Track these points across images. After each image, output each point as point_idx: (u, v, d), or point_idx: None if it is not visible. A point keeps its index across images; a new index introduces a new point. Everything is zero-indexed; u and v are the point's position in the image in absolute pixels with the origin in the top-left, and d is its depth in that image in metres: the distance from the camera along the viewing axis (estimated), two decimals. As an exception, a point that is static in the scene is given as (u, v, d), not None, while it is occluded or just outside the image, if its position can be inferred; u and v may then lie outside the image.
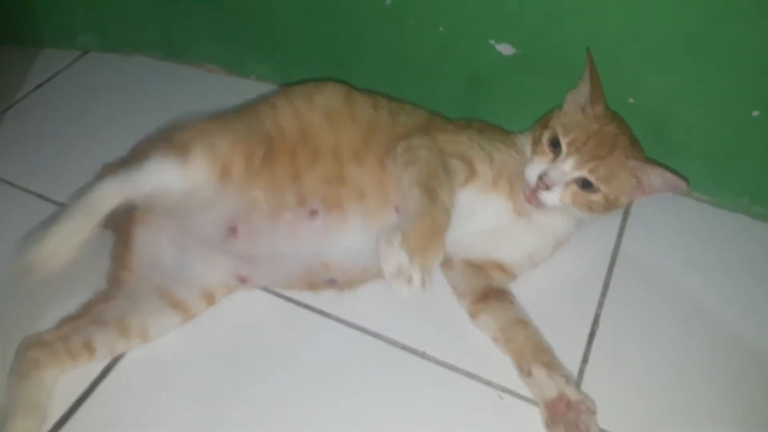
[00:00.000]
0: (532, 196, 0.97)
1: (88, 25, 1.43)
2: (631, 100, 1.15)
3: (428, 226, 0.84)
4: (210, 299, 0.98)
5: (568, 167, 0.94)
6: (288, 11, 1.28)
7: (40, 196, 1.15)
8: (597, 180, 0.94)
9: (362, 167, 0.99)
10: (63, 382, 0.89)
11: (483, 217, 1.01)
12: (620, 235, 1.14)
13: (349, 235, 0.97)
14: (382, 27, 1.23)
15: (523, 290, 1.02)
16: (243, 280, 1.00)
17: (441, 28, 1.18)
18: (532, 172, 0.97)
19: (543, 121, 1.03)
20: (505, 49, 1.16)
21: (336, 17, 1.25)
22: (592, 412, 0.85)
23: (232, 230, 0.96)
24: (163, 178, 0.90)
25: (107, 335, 0.91)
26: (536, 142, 0.99)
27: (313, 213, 0.97)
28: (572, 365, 0.93)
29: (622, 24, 1.08)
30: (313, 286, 1.01)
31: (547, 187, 0.94)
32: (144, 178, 0.90)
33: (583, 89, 0.99)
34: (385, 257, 0.81)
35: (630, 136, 0.99)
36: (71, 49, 1.45)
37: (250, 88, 1.38)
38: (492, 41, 1.16)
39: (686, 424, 0.90)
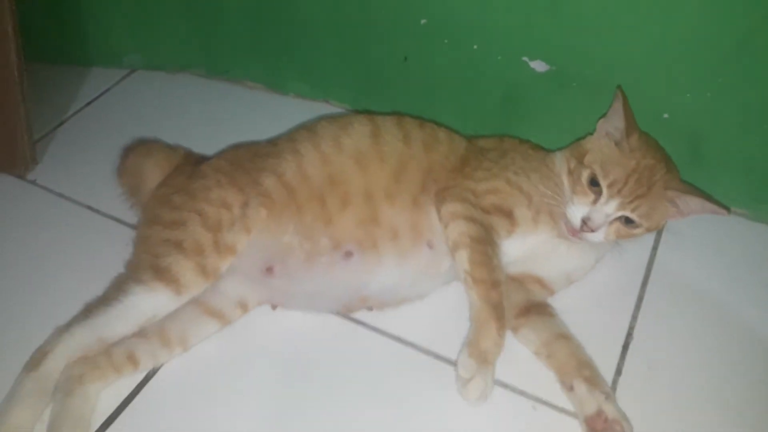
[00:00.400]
0: (575, 233, 0.98)
1: (134, 45, 1.49)
2: (665, 116, 1.15)
3: (492, 335, 0.90)
4: (244, 308, 1.01)
5: (611, 209, 0.96)
6: (326, 30, 1.32)
7: (89, 207, 1.19)
8: (639, 217, 0.96)
9: (395, 206, 1.00)
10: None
11: (527, 247, 1.03)
12: (655, 248, 1.14)
13: (384, 273, 0.99)
14: (417, 45, 1.25)
15: (558, 302, 1.03)
16: (276, 307, 1.03)
17: (475, 46, 1.20)
18: (575, 214, 0.97)
19: (576, 150, 1.03)
20: (539, 65, 1.17)
21: (373, 36, 1.28)
22: None
23: (269, 270, 0.99)
24: (154, 307, 0.93)
25: (149, 346, 0.93)
26: (572, 175, 1.00)
27: (348, 254, 0.98)
28: (606, 377, 0.93)
29: (655, 39, 1.09)
30: (349, 311, 1.03)
31: (592, 231, 0.96)
32: (129, 314, 0.92)
33: (616, 122, 0.99)
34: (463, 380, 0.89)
35: (666, 163, 1.00)
36: (119, 68, 1.51)
37: (290, 105, 1.43)
38: (525, 58, 1.18)
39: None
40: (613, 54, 1.12)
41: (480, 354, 0.88)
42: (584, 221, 0.96)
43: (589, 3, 1.09)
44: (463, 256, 0.95)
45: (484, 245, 0.96)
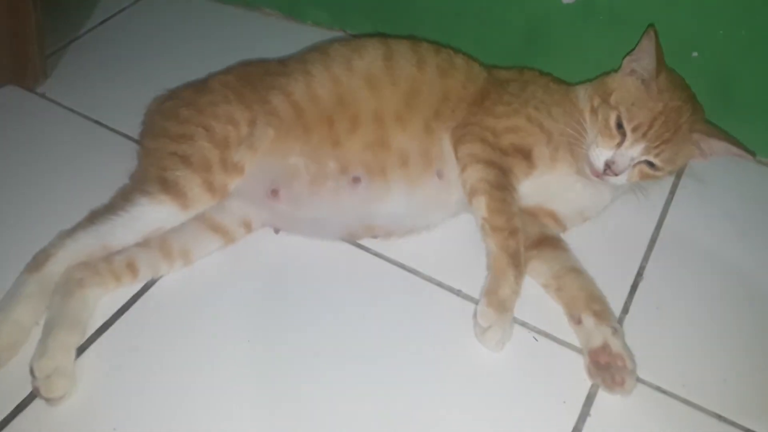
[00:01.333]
0: (599, 175, 0.95)
1: (152, -34, 1.46)
2: (695, 54, 1.11)
3: (510, 283, 0.89)
4: (248, 227, 0.99)
5: (636, 153, 0.93)
6: None
7: (97, 122, 1.18)
8: (662, 162, 0.94)
9: (406, 131, 0.97)
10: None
11: (542, 183, 1.00)
12: (672, 192, 1.11)
13: (393, 201, 0.97)
14: (439, -29, 1.21)
15: (570, 238, 1.00)
16: (279, 231, 1.01)
17: (501, -27, 1.16)
18: (599, 158, 0.94)
19: (601, 87, 0.98)
20: None
21: (393, -39, 1.24)
22: (630, 370, 0.83)
23: (274, 192, 0.97)
24: (160, 220, 0.92)
25: (150, 256, 0.93)
26: (595, 114, 0.96)
27: (356, 180, 0.96)
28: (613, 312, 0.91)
29: None
30: (353, 238, 1.01)
31: (615, 174, 0.93)
32: (134, 224, 0.91)
33: (645, 62, 0.94)
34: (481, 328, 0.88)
35: (692, 104, 0.96)
36: (136, -11, 1.48)
37: (307, 33, 1.40)
38: None
39: (720, 375, 0.87)
40: None
41: (499, 303, 0.87)
42: (608, 165, 0.93)
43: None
44: (481, 203, 0.93)
45: (503, 191, 0.93)
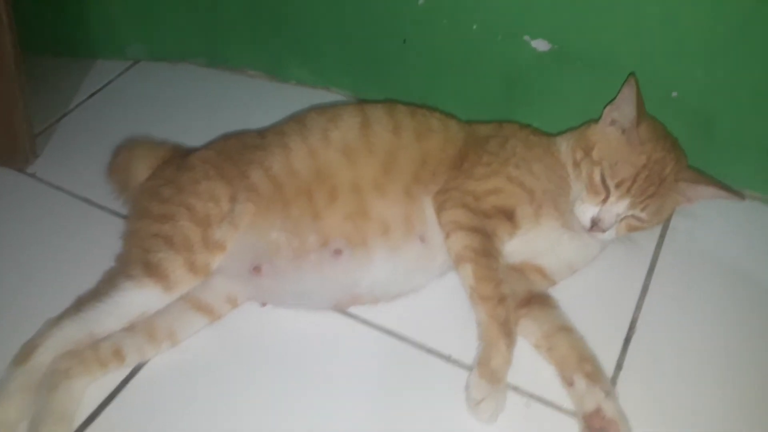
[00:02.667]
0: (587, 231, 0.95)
1: (137, 37, 1.48)
2: (674, 94, 1.10)
3: (502, 353, 0.87)
4: (233, 303, 0.99)
5: (621, 209, 0.93)
6: (323, 15, 1.29)
7: (86, 200, 1.19)
8: (649, 215, 0.94)
9: (385, 198, 0.97)
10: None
11: (528, 240, 1.00)
12: (662, 235, 1.09)
13: (377, 269, 0.97)
14: (415, 27, 1.22)
15: (559, 292, 0.99)
16: (265, 305, 1.01)
17: (474, 26, 1.16)
18: (585, 214, 0.94)
19: (582, 140, 0.99)
20: (541, 45, 1.13)
21: (370, 19, 1.25)
22: None
23: (257, 269, 0.97)
24: (144, 304, 0.92)
25: (136, 341, 0.92)
26: (578, 167, 0.97)
27: (338, 252, 0.96)
28: (606, 370, 0.90)
29: (661, 15, 1.04)
30: (340, 307, 1.01)
31: (602, 231, 0.93)
32: (119, 310, 0.91)
33: (626, 111, 0.94)
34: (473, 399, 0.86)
35: (675, 153, 0.96)
36: (122, 60, 1.50)
37: (291, 92, 1.42)
38: (527, 37, 1.13)
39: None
40: (618, 30, 1.08)
41: (491, 374, 0.86)
42: (594, 222, 0.93)
43: (591, -23, 1.05)
44: (468, 271, 0.92)
45: (488, 258, 0.93)
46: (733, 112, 1.08)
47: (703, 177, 0.97)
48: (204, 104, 1.41)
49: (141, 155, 1.11)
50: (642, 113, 0.94)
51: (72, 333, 0.90)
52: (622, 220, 0.94)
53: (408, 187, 0.98)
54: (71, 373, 0.88)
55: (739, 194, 0.97)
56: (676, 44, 1.06)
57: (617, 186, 0.92)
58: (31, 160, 1.26)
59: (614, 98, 0.97)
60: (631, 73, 0.95)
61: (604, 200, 0.93)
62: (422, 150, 1.01)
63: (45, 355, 0.89)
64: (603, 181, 0.93)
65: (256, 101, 1.41)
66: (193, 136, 1.19)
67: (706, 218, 1.11)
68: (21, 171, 1.25)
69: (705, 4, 1.00)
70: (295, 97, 1.36)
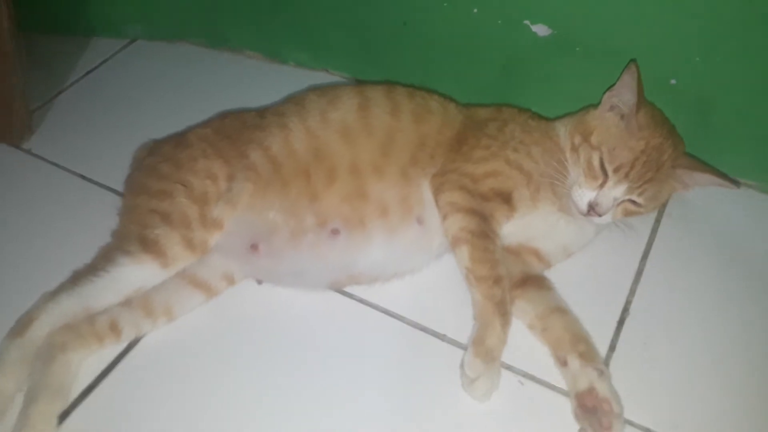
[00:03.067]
0: (584, 214, 0.96)
1: (135, 15, 1.47)
2: (673, 81, 1.10)
3: (497, 332, 0.88)
4: (230, 281, 0.99)
5: (619, 193, 0.94)
6: None
7: (81, 176, 1.19)
8: (646, 200, 0.95)
9: (383, 180, 0.98)
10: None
11: (524, 223, 1.00)
12: (658, 220, 1.10)
13: (374, 250, 0.97)
14: (416, 10, 1.22)
15: (554, 274, 1.00)
16: (261, 282, 1.01)
17: (474, 10, 1.16)
18: (582, 198, 0.95)
19: (581, 125, 0.99)
20: (541, 30, 1.13)
21: (371, 2, 1.25)
22: (617, 414, 0.83)
23: (254, 247, 0.97)
24: (141, 279, 0.92)
25: (133, 315, 0.93)
26: (576, 152, 0.97)
27: (335, 232, 0.97)
28: (599, 352, 0.90)
29: (661, 2, 1.04)
30: (338, 287, 1.01)
31: (599, 215, 0.94)
32: (116, 285, 0.92)
33: (626, 97, 0.95)
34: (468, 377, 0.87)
35: (673, 139, 0.97)
36: (119, 38, 1.50)
37: (290, 74, 1.41)
38: (527, 22, 1.13)
39: (711, 417, 0.86)
40: (618, 16, 1.08)
41: (486, 352, 0.87)
42: (591, 206, 0.94)
43: (593, -38, 1.05)
44: (464, 253, 0.93)
45: (485, 240, 0.93)
46: (731, 99, 1.09)
47: (700, 164, 0.98)
48: (201, 85, 1.40)
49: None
50: (641, 100, 0.95)
51: (68, 307, 0.91)
52: (619, 204, 0.95)
53: (405, 169, 0.99)
54: (68, 347, 0.88)
55: (734, 182, 0.98)
56: (675, 31, 1.06)
57: (615, 171, 0.93)
58: (27, 136, 1.27)
59: (614, 84, 0.97)
60: (632, 60, 0.95)
61: (602, 185, 0.94)
62: (420, 132, 1.01)
63: (41, 329, 0.89)
64: (601, 165, 0.94)
65: (255, 82, 1.40)
66: (189, 116, 1.19)
67: (702, 205, 1.11)
68: (17, 147, 1.25)
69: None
70: (294, 79, 1.36)
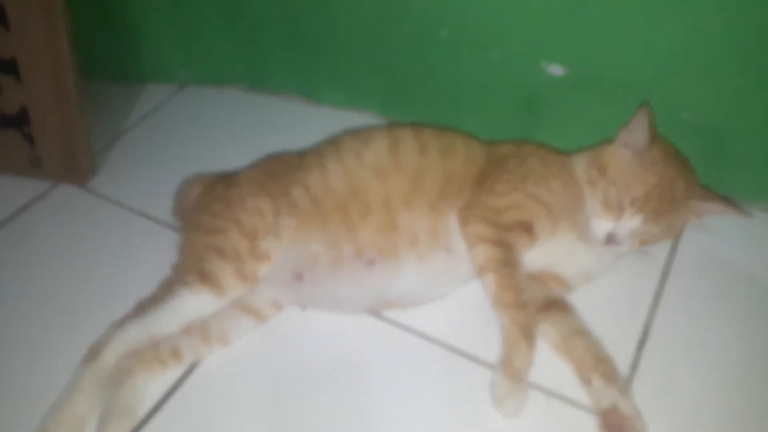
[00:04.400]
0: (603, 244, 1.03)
1: (184, 62, 1.58)
2: (685, 115, 1.15)
3: (523, 354, 0.94)
4: (278, 307, 1.08)
5: (635, 224, 1.00)
6: (356, 44, 1.37)
7: (141, 214, 1.29)
8: (660, 230, 1.01)
9: (413, 212, 1.06)
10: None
11: (546, 251, 1.07)
12: (675, 246, 1.14)
13: (406, 277, 1.05)
14: (440, 56, 1.29)
15: (575, 298, 1.05)
16: (306, 308, 1.09)
17: (494, 54, 1.24)
18: (601, 230, 1.02)
19: (597, 160, 1.05)
20: (556, 70, 1.20)
21: (398, 48, 1.33)
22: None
23: (298, 276, 1.05)
24: (199, 308, 1.01)
25: (192, 342, 1.01)
26: (594, 186, 1.03)
27: (371, 261, 1.04)
28: (620, 373, 0.95)
29: (674, 37, 1.09)
30: (374, 311, 1.09)
31: (617, 244, 1.01)
32: (176, 314, 1.00)
33: (639, 136, 1.01)
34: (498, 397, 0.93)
35: (686, 173, 1.02)
36: (171, 83, 1.61)
37: (324, 114, 1.50)
38: (543, 63, 1.20)
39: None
40: (630, 54, 1.13)
41: (514, 373, 0.93)
42: (610, 236, 1.01)
43: (604, 4, 1.11)
44: (491, 281, 0.99)
45: (509, 268, 1.00)
46: (743, 129, 1.13)
47: (713, 195, 1.03)
48: (245, 126, 1.50)
49: (194, 189, 1.21)
50: (654, 138, 1.01)
51: (134, 335, 1.00)
52: (635, 234, 1.01)
53: (433, 203, 1.06)
54: (134, 371, 0.97)
55: (746, 212, 1.03)
56: (686, 67, 1.11)
57: (631, 204, 0.99)
58: (91, 177, 1.36)
59: (628, 122, 1.02)
60: (645, 101, 1.00)
61: (619, 217, 1.00)
62: (447, 168, 1.09)
63: (111, 355, 0.98)
64: (618, 199, 1.00)
65: (293, 122, 1.49)
66: (235, 156, 1.28)
67: (719, 230, 1.15)
68: (81, 187, 1.34)
69: (713, 29, 1.06)
70: (329, 119, 1.45)
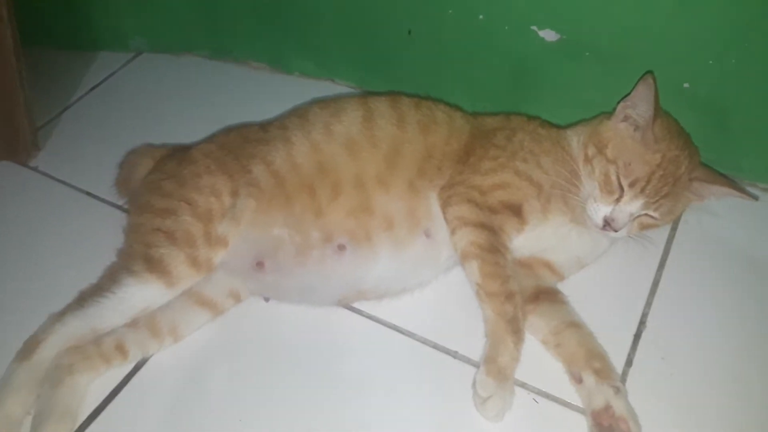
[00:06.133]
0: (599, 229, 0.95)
1: (140, 29, 1.48)
2: (686, 85, 1.09)
3: (509, 350, 0.87)
4: (236, 298, 0.99)
5: (635, 208, 0.92)
6: (326, 6, 1.29)
7: (88, 193, 1.19)
8: (661, 214, 0.93)
9: (389, 192, 0.97)
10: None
11: (536, 235, 0.99)
12: (674, 229, 1.09)
13: (381, 265, 0.97)
14: (420, 18, 1.22)
15: (568, 287, 0.99)
16: (269, 300, 1.01)
17: (480, 16, 1.16)
18: (598, 213, 0.93)
19: (595, 136, 0.97)
20: (549, 35, 1.12)
21: (375, 10, 1.25)
22: None
23: (259, 264, 0.97)
24: (147, 300, 0.92)
25: (139, 336, 0.93)
26: (590, 164, 0.95)
27: (341, 248, 0.96)
28: (616, 367, 0.89)
29: (672, 4, 1.02)
30: (345, 303, 1.00)
31: (615, 230, 0.93)
32: (122, 306, 0.91)
33: (642, 110, 0.93)
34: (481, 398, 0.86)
35: (689, 151, 0.95)
36: (125, 52, 1.51)
37: (295, 85, 1.41)
38: (534, 27, 1.13)
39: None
40: (628, 19, 1.07)
41: (498, 371, 0.86)
42: (607, 221, 0.92)
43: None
44: (474, 268, 0.92)
45: (495, 254, 0.92)
46: (745, 102, 1.07)
47: (716, 176, 0.97)
48: (207, 96, 1.41)
49: (143, 163, 1.11)
50: (658, 111, 0.93)
51: (75, 329, 0.91)
52: (634, 219, 0.93)
53: (412, 182, 0.98)
54: (75, 369, 0.88)
55: (750, 194, 0.97)
56: (687, 34, 1.05)
57: (631, 186, 0.92)
58: (33, 153, 1.27)
59: (628, 94, 0.95)
60: (649, 72, 0.93)
61: (618, 200, 0.92)
62: (427, 143, 1.00)
63: (48, 351, 0.89)
64: (617, 180, 0.92)
65: (260, 93, 1.41)
66: (196, 128, 1.19)
67: (718, 212, 1.09)
68: (23, 164, 1.25)
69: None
70: (299, 89, 1.36)
